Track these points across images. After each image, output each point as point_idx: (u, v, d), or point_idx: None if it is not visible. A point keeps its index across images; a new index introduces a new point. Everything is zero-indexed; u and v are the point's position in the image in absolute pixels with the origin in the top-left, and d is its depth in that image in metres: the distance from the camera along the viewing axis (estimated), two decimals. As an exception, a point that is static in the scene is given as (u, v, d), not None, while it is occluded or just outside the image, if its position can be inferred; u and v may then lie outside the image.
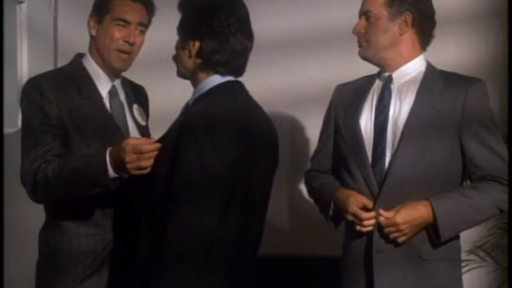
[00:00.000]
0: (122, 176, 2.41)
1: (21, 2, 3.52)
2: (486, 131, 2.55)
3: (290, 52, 3.68)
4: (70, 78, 2.65)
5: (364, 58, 2.64)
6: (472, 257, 3.45)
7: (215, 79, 2.34)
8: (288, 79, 3.73)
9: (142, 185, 2.34)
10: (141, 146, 2.31)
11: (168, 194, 2.18)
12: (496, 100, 3.10)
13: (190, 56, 2.34)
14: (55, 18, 3.73)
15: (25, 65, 3.53)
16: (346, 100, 2.69)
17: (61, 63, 3.52)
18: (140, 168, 2.32)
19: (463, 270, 3.31)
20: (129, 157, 2.32)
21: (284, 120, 3.61)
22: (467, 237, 3.13)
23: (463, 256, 3.08)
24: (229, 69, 2.34)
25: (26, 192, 2.56)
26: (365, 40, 2.60)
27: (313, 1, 3.71)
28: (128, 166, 2.33)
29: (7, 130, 3.07)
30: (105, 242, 2.59)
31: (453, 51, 3.43)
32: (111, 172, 2.40)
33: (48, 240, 2.62)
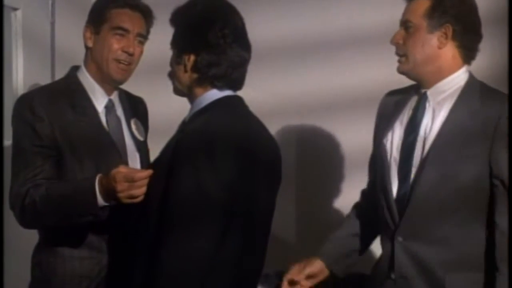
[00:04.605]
0: (111, 205, 2.32)
1: (16, 9, 3.41)
2: None
3: (294, 60, 3.60)
4: (64, 93, 2.56)
5: (402, 73, 2.48)
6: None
7: (213, 94, 2.22)
8: (293, 88, 3.63)
9: (137, 208, 2.24)
10: (133, 174, 2.21)
11: (163, 217, 2.08)
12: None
13: (185, 71, 2.23)
14: (52, 24, 3.62)
15: (20, 73, 3.42)
16: (386, 112, 2.56)
17: (59, 71, 3.46)
18: (132, 197, 2.23)
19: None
20: (121, 186, 2.23)
21: (290, 130, 3.51)
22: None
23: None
24: (227, 83, 2.22)
25: (15, 217, 2.47)
26: (403, 54, 2.44)
27: (314, 7, 3.60)
28: (120, 195, 2.24)
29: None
30: (100, 266, 2.51)
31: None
32: (101, 201, 2.30)
33: (41, 263, 2.54)
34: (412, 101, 2.50)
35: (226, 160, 2.07)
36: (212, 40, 2.17)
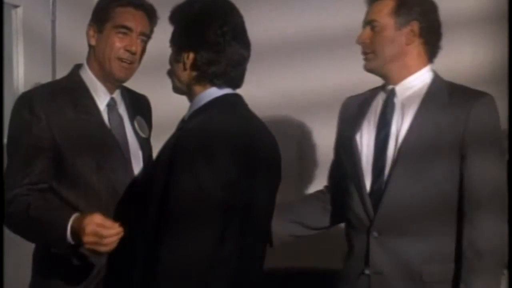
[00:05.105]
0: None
1: (16, 6, 3.41)
2: (487, 155, 2.40)
3: (294, 57, 3.60)
4: (66, 92, 2.55)
5: (370, 70, 2.54)
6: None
7: (212, 92, 2.22)
8: (292, 86, 3.63)
9: (136, 206, 2.24)
10: (102, 231, 2.21)
11: (162, 216, 2.07)
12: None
13: (184, 69, 2.22)
14: (53, 22, 3.61)
15: (21, 71, 3.42)
16: (350, 114, 2.60)
17: (60, 69, 3.46)
18: (97, 253, 2.24)
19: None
20: (88, 239, 2.23)
21: (290, 126, 3.52)
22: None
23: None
24: (227, 81, 2.22)
25: None
26: (371, 51, 2.50)
27: (315, 4, 3.61)
28: (85, 246, 2.24)
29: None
30: (100, 265, 2.47)
31: (469, 55, 3.29)
32: (70, 240, 2.29)
33: (41, 262, 2.52)
34: (378, 100, 2.55)
35: (225, 158, 2.06)
36: (211, 38, 2.17)
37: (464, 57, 3.23)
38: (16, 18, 3.42)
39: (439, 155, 2.39)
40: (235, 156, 2.09)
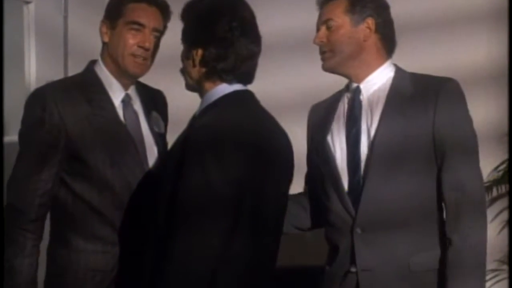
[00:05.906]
0: None
1: (28, 2, 3.41)
2: (461, 151, 2.41)
3: (306, 52, 3.55)
4: (80, 88, 2.55)
5: (329, 69, 2.55)
6: (504, 267, 3.26)
7: (222, 89, 2.20)
8: (305, 81, 3.61)
9: (149, 202, 2.23)
10: None
11: (172, 213, 2.06)
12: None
13: (194, 65, 2.21)
14: (65, 18, 3.63)
15: (33, 68, 3.43)
16: (318, 119, 2.62)
17: (72, 65, 3.47)
18: None
19: (494, 280, 3.21)
20: None
21: (302, 124, 3.50)
22: (498, 247, 3.05)
23: (495, 265, 3.08)
24: (237, 77, 2.20)
25: None
26: (329, 49, 2.50)
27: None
28: None
29: (13, 137, 2.95)
30: (114, 260, 2.49)
31: (484, 48, 3.26)
32: None
33: (55, 257, 2.53)
34: (344, 100, 2.56)
35: (234, 155, 2.05)
36: (220, 34, 2.16)
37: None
38: (28, 14, 3.43)
39: (413, 145, 2.40)
40: (245, 153, 2.08)
